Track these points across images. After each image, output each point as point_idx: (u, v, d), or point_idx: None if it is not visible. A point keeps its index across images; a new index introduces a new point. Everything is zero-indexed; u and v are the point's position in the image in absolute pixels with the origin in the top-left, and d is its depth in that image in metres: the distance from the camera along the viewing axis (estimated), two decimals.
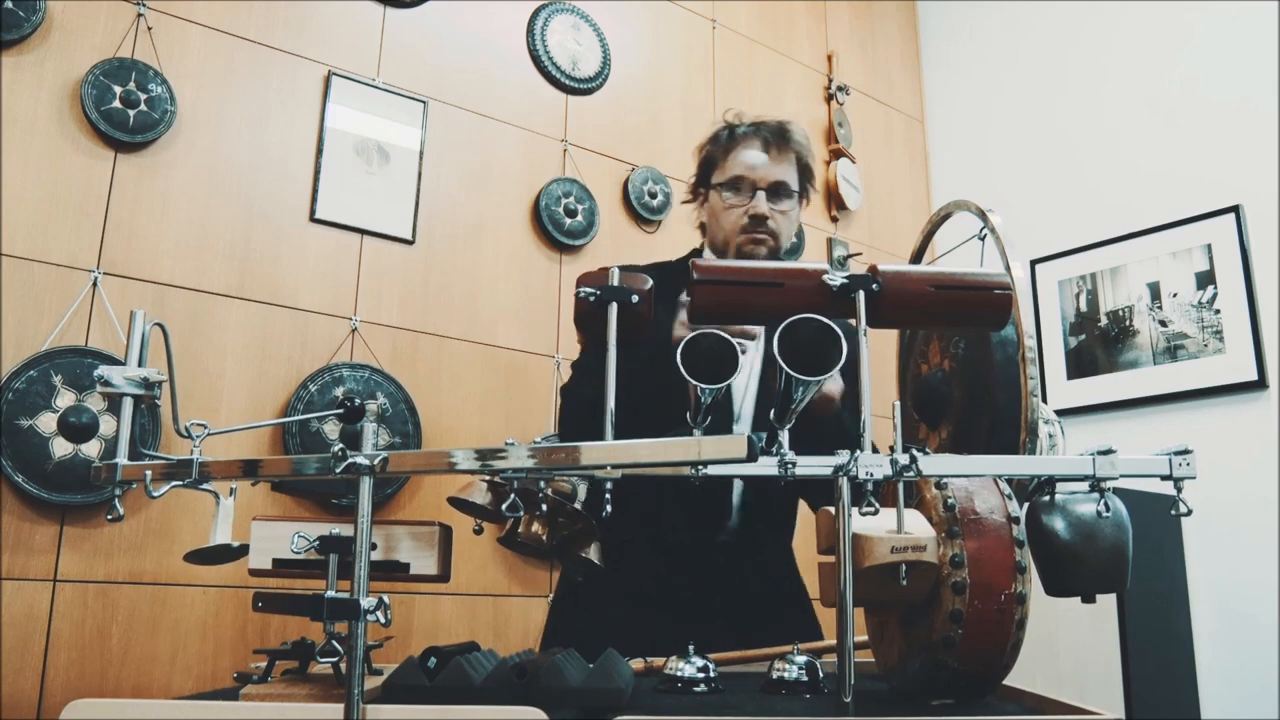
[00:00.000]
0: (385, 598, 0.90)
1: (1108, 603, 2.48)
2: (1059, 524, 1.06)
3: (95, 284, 2.02)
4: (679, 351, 0.92)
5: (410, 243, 2.47)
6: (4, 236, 1.93)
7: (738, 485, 1.63)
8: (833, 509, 0.96)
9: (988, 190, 3.58)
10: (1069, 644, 2.52)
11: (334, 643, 0.95)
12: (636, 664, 1.34)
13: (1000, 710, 1.03)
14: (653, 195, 2.94)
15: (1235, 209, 2.90)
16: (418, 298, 2.46)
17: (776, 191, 1.63)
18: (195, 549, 1.14)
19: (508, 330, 2.60)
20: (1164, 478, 1.01)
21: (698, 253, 1.77)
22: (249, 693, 1.00)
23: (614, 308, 0.98)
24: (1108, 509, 1.00)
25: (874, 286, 1.01)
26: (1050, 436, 1.24)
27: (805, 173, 1.68)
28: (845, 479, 0.93)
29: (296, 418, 2.17)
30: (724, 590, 1.61)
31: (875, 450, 0.96)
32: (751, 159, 1.63)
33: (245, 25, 2.31)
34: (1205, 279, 2.94)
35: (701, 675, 1.14)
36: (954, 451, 1.05)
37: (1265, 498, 2.71)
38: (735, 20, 3.35)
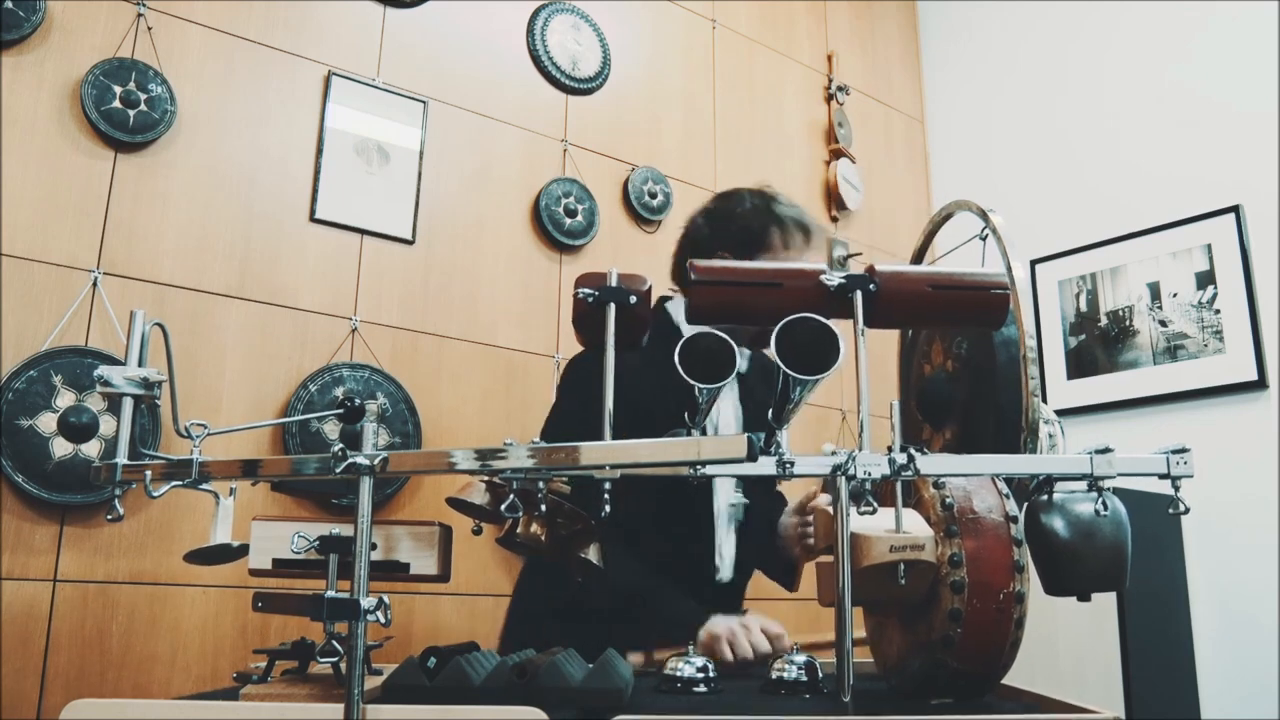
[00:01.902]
0: (385, 598, 0.90)
1: (1108, 603, 2.48)
2: (1058, 523, 1.06)
3: (95, 284, 2.02)
4: (678, 351, 0.92)
5: (410, 243, 2.47)
6: (4, 236, 1.93)
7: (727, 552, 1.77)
8: (832, 509, 0.97)
9: (988, 190, 3.58)
10: (1069, 644, 2.51)
11: (334, 643, 0.95)
12: (636, 657, 1.35)
13: (1000, 709, 1.03)
14: (653, 195, 2.94)
15: (1235, 209, 2.90)
16: (418, 298, 2.46)
17: None
18: (195, 549, 1.14)
19: (508, 330, 2.60)
20: (1161, 476, 1.01)
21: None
22: (249, 693, 1.00)
23: (612, 308, 0.98)
24: (1106, 508, 1.00)
25: (871, 287, 1.01)
26: (1050, 436, 1.24)
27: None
28: (843, 478, 0.93)
29: (296, 418, 2.17)
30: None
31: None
32: (802, 256, 1.78)
33: (245, 25, 2.31)
34: (1205, 279, 2.94)
35: (701, 675, 1.14)
36: (960, 453, 1.05)
37: (1265, 498, 2.71)
38: (735, 20, 3.35)
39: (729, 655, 1.50)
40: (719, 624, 1.53)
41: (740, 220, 1.81)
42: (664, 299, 1.87)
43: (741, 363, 1.86)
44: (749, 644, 1.49)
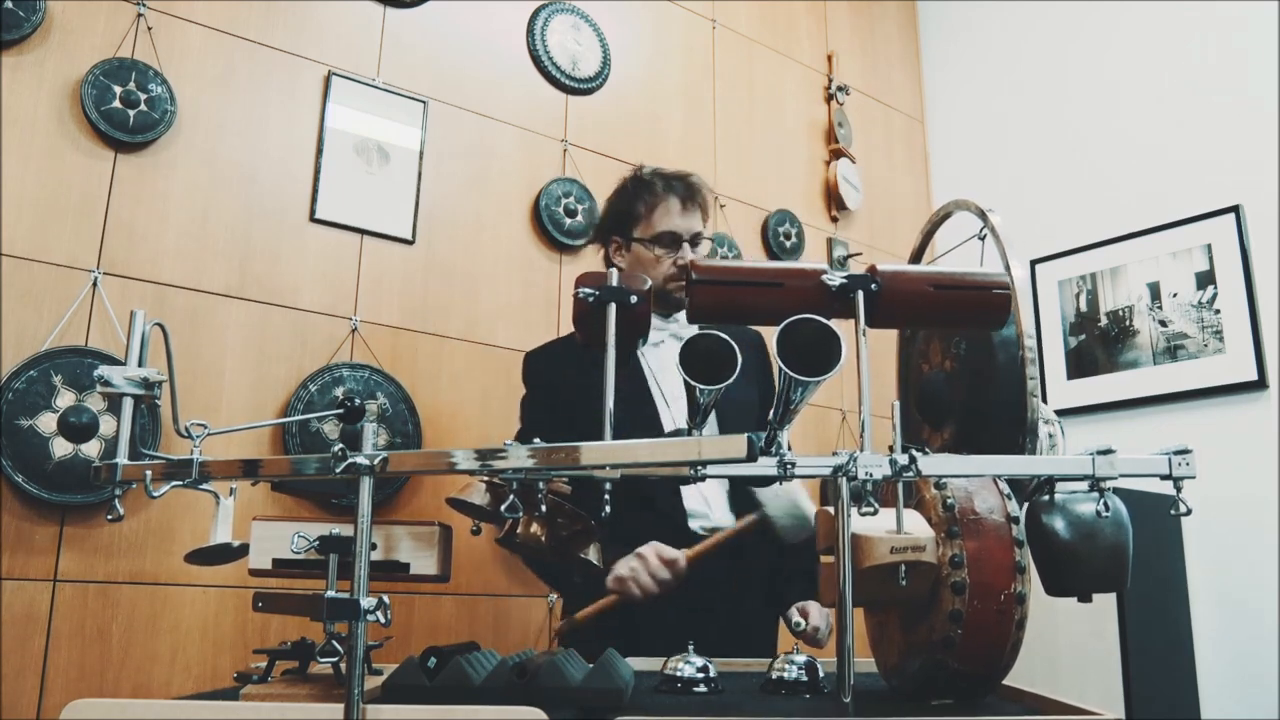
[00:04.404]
0: (385, 598, 0.90)
1: (1108, 603, 2.47)
2: (1059, 524, 1.06)
3: (95, 284, 2.02)
4: (679, 352, 0.92)
5: (410, 243, 2.47)
6: (4, 236, 1.93)
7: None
8: (832, 509, 0.97)
9: (988, 190, 3.57)
10: (1069, 644, 2.51)
11: (334, 643, 0.95)
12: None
13: (1000, 710, 1.03)
14: None
15: (1235, 209, 2.90)
16: (418, 298, 2.46)
17: (696, 241, 1.89)
18: (195, 549, 1.14)
19: (508, 330, 2.60)
20: (1163, 477, 1.01)
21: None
22: (249, 693, 1.00)
23: (613, 308, 0.98)
24: (1107, 509, 1.00)
25: (873, 286, 1.01)
26: (1050, 436, 1.24)
27: (706, 217, 1.94)
28: (844, 479, 0.93)
29: (296, 418, 2.17)
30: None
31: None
32: (675, 215, 1.86)
33: (245, 25, 2.31)
34: (1205, 279, 2.94)
35: (701, 675, 1.14)
36: (957, 452, 1.05)
37: (1265, 498, 2.71)
38: (735, 20, 3.35)
39: (636, 593, 1.54)
40: (620, 565, 1.57)
41: (611, 204, 1.95)
42: None
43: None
44: (649, 578, 1.53)
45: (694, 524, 1.76)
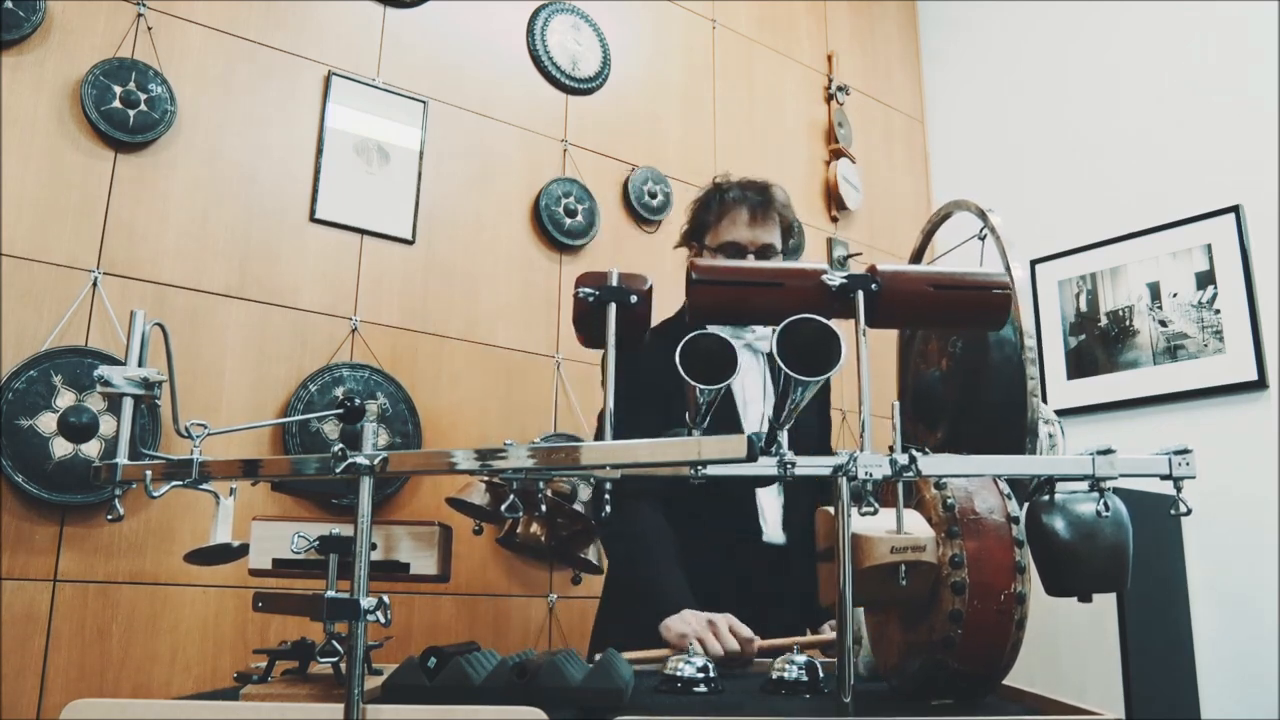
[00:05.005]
0: (385, 598, 0.90)
1: (1108, 603, 2.47)
2: (1059, 524, 1.06)
3: (95, 284, 2.02)
4: (678, 352, 0.92)
5: (410, 243, 2.47)
6: (4, 236, 1.93)
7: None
8: (832, 509, 0.96)
9: (987, 190, 3.57)
10: (1069, 644, 2.51)
11: (334, 643, 0.95)
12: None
13: (1000, 710, 1.03)
14: (653, 195, 2.94)
15: (1235, 209, 2.90)
16: (418, 298, 2.46)
17: (765, 254, 1.81)
18: (195, 549, 1.14)
19: (507, 330, 2.60)
20: (1163, 477, 1.01)
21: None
22: (249, 693, 1.00)
23: (613, 308, 0.98)
24: (1107, 509, 1.00)
25: (873, 286, 1.01)
26: (1050, 436, 1.24)
27: (787, 232, 1.87)
28: (844, 479, 0.93)
29: (296, 418, 2.16)
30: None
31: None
32: (741, 226, 1.80)
33: (245, 25, 2.31)
34: (1205, 279, 2.94)
35: (701, 675, 1.14)
36: (949, 451, 1.05)
37: (1265, 498, 2.71)
38: (735, 20, 3.35)
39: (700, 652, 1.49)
40: (689, 621, 1.52)
41: (692, 210, 1.91)
42: None
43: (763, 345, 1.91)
44: (718, 644, 1.47)
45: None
